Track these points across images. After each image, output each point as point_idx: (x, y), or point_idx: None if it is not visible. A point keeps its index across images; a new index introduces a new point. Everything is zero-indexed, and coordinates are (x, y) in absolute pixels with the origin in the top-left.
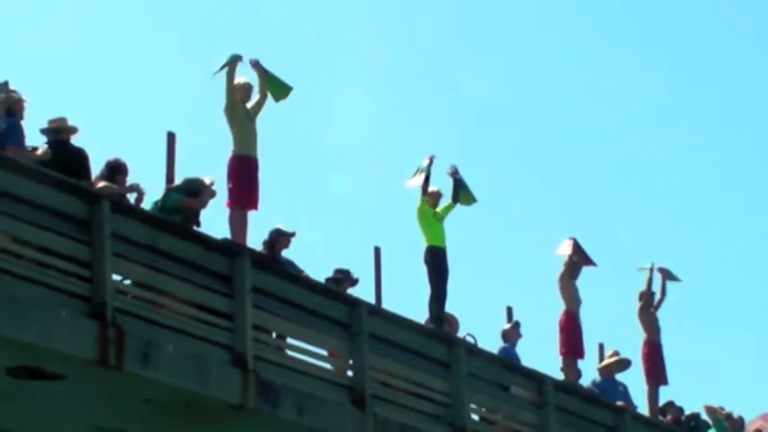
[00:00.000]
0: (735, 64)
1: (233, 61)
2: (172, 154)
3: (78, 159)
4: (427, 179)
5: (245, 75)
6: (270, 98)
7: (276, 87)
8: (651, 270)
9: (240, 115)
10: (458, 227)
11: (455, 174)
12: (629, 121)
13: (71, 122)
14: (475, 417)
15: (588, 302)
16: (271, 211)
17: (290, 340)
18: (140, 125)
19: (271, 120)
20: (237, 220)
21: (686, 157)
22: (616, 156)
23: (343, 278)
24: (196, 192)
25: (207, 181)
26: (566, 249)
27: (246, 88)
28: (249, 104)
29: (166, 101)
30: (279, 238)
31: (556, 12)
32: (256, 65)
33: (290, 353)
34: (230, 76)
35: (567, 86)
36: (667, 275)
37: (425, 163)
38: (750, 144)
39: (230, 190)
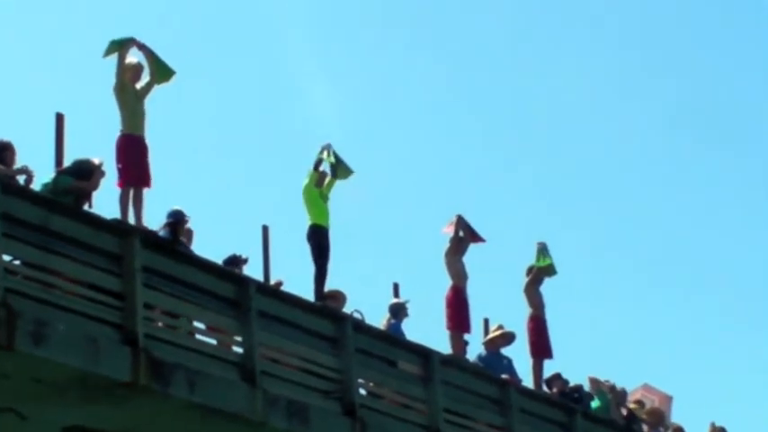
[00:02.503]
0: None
1: (124, 42)
2: (60, 135)
3: None
4: (320, 162)
5: (135, 56)
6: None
7: (160, 70)
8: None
9: (129, 95)
10: (346, 202)
11: (330, 151)
12: (521, 99)
13: None
14: (363, 392)
15: (474, 277)
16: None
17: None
18: (27, 106)
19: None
20: (128, 199)
21: (574, 136)
22: (505, 131)
23: (235, 264)
24: (87, 173)
25: (96, 161)
26: (451, 228)
27: (137, 69)
28: (138, 85)
29: (54, 82)
30: (181, 222)
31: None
32: (143, 47)
33: (181, 331)
34: (121, 56)
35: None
36: (539, 251)
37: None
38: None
39: (120, 170)
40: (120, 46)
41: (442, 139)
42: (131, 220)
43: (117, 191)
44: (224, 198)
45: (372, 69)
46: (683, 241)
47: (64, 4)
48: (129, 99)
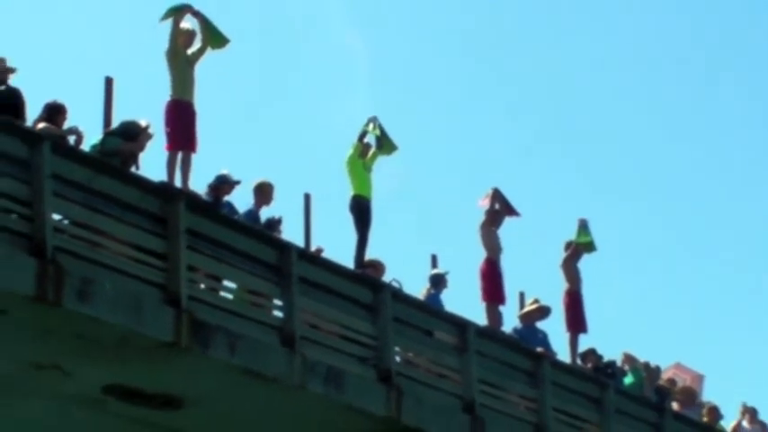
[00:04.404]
0: None
1: (180, 9)
2: (109, 98)
3: (14, 99)
4: (365, 134)
5: (189, 22)
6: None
7: (215, 37)
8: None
9: (181, 60)
10: (386, 176)
11: (376, 124)
12: (550, 71)
13: (9, 64)
14: (399, 360)
15: (510, 251)
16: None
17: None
18: (77, 70)
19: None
20: (175, 163)
21: (613, 111)
22: (547, 106)
23: (271, 227)
24: (134, 135)
25: (143, 123)
26: (487, 201)
27: (190, 34)
28: (190, 51)
29: (104, 46)
30: (222, 186)
31: None
32: (198, 14)
33: (223, 293)
34: (176, 21)
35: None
36: (580, 227)
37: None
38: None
39: (168, 134)
40: (176, 12)
41: (482, 113)
42: (178, 183)
43: (165, 154)
44: (267, 165)
45: (412, 43)
46: (716, 221)
47: None
48: (181, 64)
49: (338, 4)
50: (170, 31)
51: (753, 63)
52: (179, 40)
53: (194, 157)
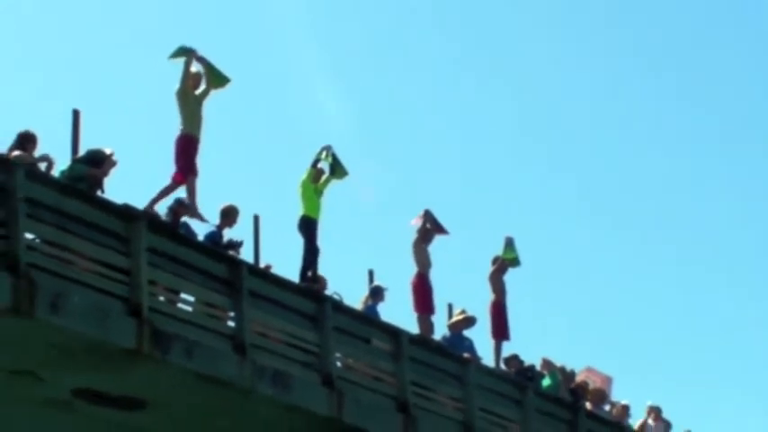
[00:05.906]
0: None
1: (188, 53)
2: (77, 129)
3: None
4: (318, 161)
5: (195, 66)
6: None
7: (216, 78)
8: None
9: (190, 100)
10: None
11: (330, 152)
12: (483, 95)
13: None
14: (339, 365)
15: (440, 266)
16: None
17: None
18: (46, 103)
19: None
20: (194, 189)
21: (531, 130)
22: (475, 129)
23: (232, 247)
24: (99, 162)
25: (107, 151)
26: (419, 221)
27: (197, 77)
28: (198, 91)
29: (72, 79)
30: (179, 208)
31: None
32: (201, 59)
33: (181, 305)
34: (187, 65)
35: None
36: (507, 244)
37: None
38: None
39: (179, 164)
40: (184, 53)
41: (417, 138)
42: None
43: (126, 179)
44: (220, 189)
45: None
46: (624, 233)
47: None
48: (190, 103)
49: (317, 63)
50: (181, 74)
51: None
52: (188, 83)
53: (155, 180)
